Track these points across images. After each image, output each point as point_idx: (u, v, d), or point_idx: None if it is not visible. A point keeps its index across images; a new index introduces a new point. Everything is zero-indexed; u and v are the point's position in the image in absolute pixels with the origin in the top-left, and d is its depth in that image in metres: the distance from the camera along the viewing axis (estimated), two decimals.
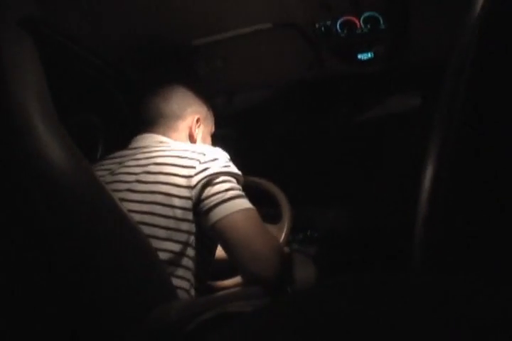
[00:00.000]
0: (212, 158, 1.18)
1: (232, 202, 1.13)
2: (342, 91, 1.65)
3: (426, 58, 1.43)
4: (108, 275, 0.82)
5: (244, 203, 1.14)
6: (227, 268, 1.34)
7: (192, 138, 1.41)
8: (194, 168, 1.15)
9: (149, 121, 1.37)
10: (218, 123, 1.48)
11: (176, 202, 1.12)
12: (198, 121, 1.41)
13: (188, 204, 1.13)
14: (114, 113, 1.55)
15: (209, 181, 1.14)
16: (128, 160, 1.24)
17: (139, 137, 1.35)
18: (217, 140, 1.51)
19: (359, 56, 1.46)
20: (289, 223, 1.48)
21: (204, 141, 1.44)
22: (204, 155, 1.18)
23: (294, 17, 1.37)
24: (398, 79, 1.57)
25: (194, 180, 1.13)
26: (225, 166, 1.18)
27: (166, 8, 1.29)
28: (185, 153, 1.20)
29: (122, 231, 0.88)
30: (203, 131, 1.44)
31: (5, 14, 0.85)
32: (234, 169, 1.20)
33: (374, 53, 1.44)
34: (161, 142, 1.31)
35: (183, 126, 1.39)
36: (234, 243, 1.10)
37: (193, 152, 1.20)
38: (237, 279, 1.42)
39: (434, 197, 0.45)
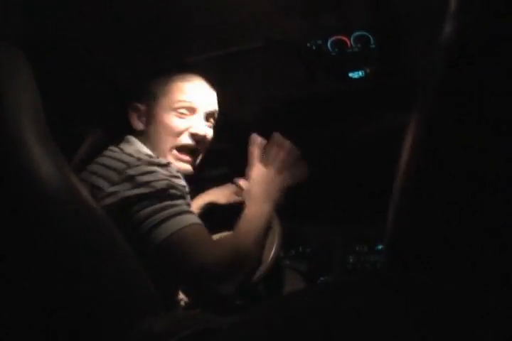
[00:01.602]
0: (128, 176, 1.07)
1: (169, 222, 1.04)
2: (333, 109, 1.66)
3: (417, 77, 1.45)
4: (92, 286, 0.83)
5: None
6: None
7: (138, 132, 1.31)
8: (102, 190, 1.06)
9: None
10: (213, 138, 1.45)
11: None
12: (135, 108, 1.33)
13: None
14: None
15: (121, 208, 1.04)
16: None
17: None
18: (211, 156, 1.48)
19: (350, 74, 1.47)
20: (278, 239, 1.48)
21: (154, 124, 1.31)
22: (119, 172, 1.08)
23: (285, 35, 1.39)
24: (389, 98, 1.58)
25: (100, 205, 1.03)
26: (142, 184, 1.05)
27: (156, 22, 1.30)
28: (101, 169, 1.11)
29: (108, 246, 0.89)
30: (151, 113, 1.32)
31: None
32: (154, 185, 1.06)
33: (365, 72, 1.46)
34: (113, 148, 1.24)
35: (132, 119, 1.32)
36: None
37: (109, 168, 1.10)
38: None
39: (400, 205, 0.47)
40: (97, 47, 1.34)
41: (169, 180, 1.10)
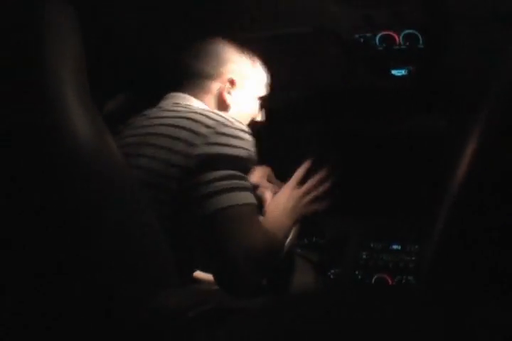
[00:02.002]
0: (220, 132, 1.06)
1: (233, 193, 1.04)
2: (369, 106, 1.65)
3: (460, 81, 1.44)
4: (114, 252, 0.84)
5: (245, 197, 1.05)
6: None
7: (223, 104, 1.26)
8: (196, 145, 1.04)
9: (180, 79, 1.27)
10: None
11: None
12: (232, 83, 1.26)
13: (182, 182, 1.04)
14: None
15: (209, 165, 1.04)
16: (138, 126, 1.16)
17: (165, 97, 1.26)
18: None
19: (393, 71, 1.46)
20: (296, 226, 1.48)
21: (242, 107, 1.30)
22: (211, 128, 1.06)
23: (334, 25, 1.38)
24: (428, 99, 1.57)
25: (192, 161, 1.03)
26: (228, 145, 1.06)
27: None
28: (192, 124, 1.08)
29: (134, 208, 0.89)
30: (241, 94, 1.29)
31: None
32: (237, 150, 1.07)
33: (408, 70, 1.44)
34: (178, 104, 1.20)
35: (214, 87, 1.26)
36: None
37: (201, 124, 1.07)
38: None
39: (454, 218, 0.46)
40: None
41: (250, 151, 1.10)
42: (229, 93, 1.27)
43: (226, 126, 1.08)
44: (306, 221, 1.52)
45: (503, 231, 0.42)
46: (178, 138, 1.06)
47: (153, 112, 1.20)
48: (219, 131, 1.06)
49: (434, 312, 0.39)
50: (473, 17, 1.28)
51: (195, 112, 1.12)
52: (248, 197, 1.06)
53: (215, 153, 1.04)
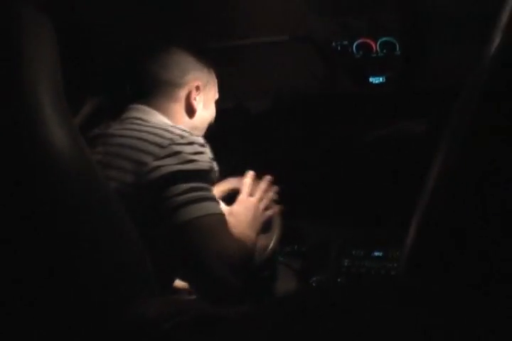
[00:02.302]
0: (173, 151, 1.10)
1: (200, 204, 1.07)
2: (348, 112, 1.66)
3: (438, 87, 1.45)
4: (91, 260, 0.83)
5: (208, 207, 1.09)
6: None
7: (191, 108, 1.31)
8: (146, 164, 1.08)
9: (145, 89, 1.29)
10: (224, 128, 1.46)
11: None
12: (198, 88, 1.31)
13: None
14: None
15: (164, 182, 1.07)
16: (101, 143, 1.19)
17: (128, 108, 1.28)
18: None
19: (371, 79, 1.47)
20: (278, 233, 1.47)
21: (206, 110, 1.35)
22: (163, 147, 1.10)
23: (312, 33, 1.39)
24: (406, 105, 1.58)
25: (145, 179, 1.07)
26: (188, 161, 1.10)
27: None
28: (141, 144, 1.12)
29: (111, 217, 0.89)
30: (205, 98, 1.34)
31: None
32: (199, 164, 1.11)
33: (386, 78, 1.45)
34: (137, 119, 1.22)
35: (182, 94, 1.30)
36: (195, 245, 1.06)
37: (151, 143, 1.11)
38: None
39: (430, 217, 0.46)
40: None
41: (212, 163, 1.15)
42: (195, 99, 1.32)
43: (182, 143, 1.12)
44: (287, 228, 1.53)
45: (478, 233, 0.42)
46: (135, 160, 1.10)
47: (115, 128, 1.22)
48: (176, 150, 1.10)
49: (425, 311, 0.39)
50: (454, 23, 1.29)
51: (150, 132, 1.15)
52: (215, 207, 1.11)
53: (174, 170, 1.08)
